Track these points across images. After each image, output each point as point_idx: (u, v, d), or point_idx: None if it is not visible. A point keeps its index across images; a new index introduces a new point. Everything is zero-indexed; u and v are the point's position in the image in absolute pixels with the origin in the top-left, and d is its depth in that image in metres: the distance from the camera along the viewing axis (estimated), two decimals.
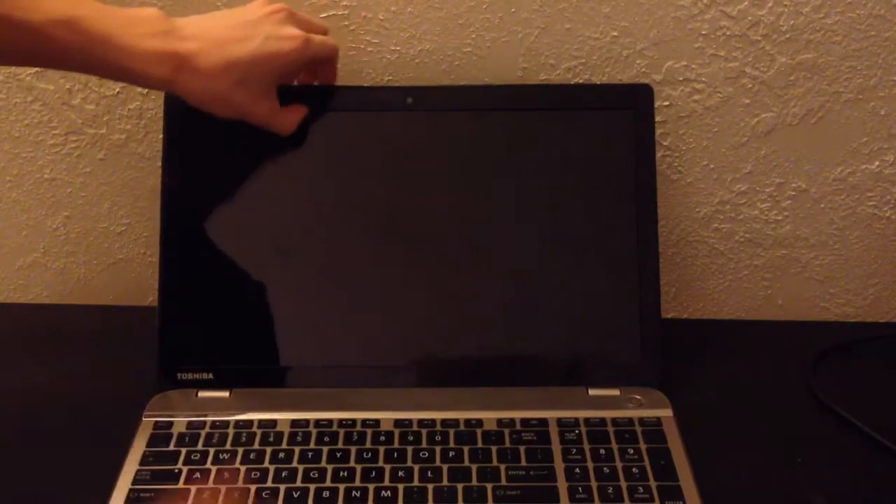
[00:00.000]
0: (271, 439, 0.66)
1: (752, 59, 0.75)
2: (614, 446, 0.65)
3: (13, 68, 0.77)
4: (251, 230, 0.72)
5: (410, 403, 0.69)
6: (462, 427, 0.66)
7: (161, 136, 0.72)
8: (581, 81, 0.76)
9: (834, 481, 0.65)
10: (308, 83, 0.72)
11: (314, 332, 0.71)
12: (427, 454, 0.64)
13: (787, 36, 0.74)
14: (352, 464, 0.63)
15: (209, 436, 0.66)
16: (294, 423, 0.67)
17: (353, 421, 0.67)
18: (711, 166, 0.79)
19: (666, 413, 0.68)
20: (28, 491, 0.64)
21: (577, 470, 0.63)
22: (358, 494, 0.61)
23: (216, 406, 0.69)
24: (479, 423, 0.67)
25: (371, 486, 0.61)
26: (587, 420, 0.67)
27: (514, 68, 0.76)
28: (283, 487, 0.61)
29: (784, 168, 0.79)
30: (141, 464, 0.64)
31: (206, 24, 0.62)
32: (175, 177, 0.72)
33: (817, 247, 0.83)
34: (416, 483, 0.62)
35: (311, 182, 0.72)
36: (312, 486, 0.61)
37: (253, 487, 0.61)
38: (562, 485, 0.62)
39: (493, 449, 0.65)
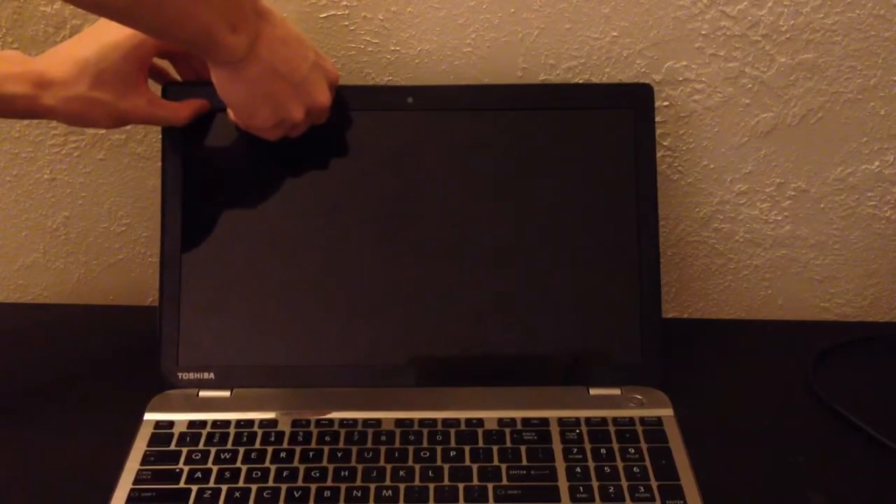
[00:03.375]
0: (272, 439, 0.66)
1: (752, 59, 0.75)
2: (615, 446, 0.65)
3: None
4: (251, 230, 0.72)
5: (411, 403, 0.69)
6: (463, 427, 0.66)
7: (161, 136, 0.72)
8: (581, 81, 0.76)
9: (834, 481, 0.65)
10: (191, 78, 0.71)
11: (314, 332, 0.71)
12: (428, 454, 0.64)
13: (787, 36, 0.74)
14: (353, 463, 0.63)
15: (210, 436, 0.66)
16: (295, 422, 0.67)
17: (354, 421, 0.67)
18: (711, 166, 0.79)
19: (667, 412, 0.68)
20: (29, 491, 0.64)
21: (578, 469, 0.63)
22: (359, 494, 0.61)
23: (217, 406, 0.69)
24: (480, 422, 0.67)
25: (372, 486, 0.61)
26: (588, 419, 0.67)
27: (514, 68, 0.76)
28: (284, 487, 0.61)
29: (784, 168, 0.79)
30: (142, 463, 0.64)
31: (56, 47, 0.64)
32: (175, 177, 0.72)
33: (817, 247, 0.83)
34: (417, 483, 0.62)
35: (311, 181, 0.72)
36: (314, 486, 0.61)
37: (254, 487, 0.61)
38: (563, 484, 0.62)
39: (494, 448, 0.65)
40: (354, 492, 0.61)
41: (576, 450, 0.64)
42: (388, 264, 0.71)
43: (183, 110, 0.68)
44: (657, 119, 0.75)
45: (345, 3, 0.74)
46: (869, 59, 0.74)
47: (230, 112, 0.66)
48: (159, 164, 0.72)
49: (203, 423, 0.67)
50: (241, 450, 0.65)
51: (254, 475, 0.63)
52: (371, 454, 0.64)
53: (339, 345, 0.71)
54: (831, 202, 0.80)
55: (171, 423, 0.67)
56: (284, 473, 0.63)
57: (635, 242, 0.71)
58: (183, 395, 0.70)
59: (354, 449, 0.64)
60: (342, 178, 0.72)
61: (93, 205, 0.84)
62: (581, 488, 0.61)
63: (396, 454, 0.64)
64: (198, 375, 0.70)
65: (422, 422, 0.67)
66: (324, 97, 0.65)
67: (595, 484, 0.61)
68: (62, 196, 0.83)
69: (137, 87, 0.65)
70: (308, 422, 0.67)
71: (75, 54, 0.63)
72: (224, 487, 0.62)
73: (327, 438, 0.66)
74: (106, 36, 0.63)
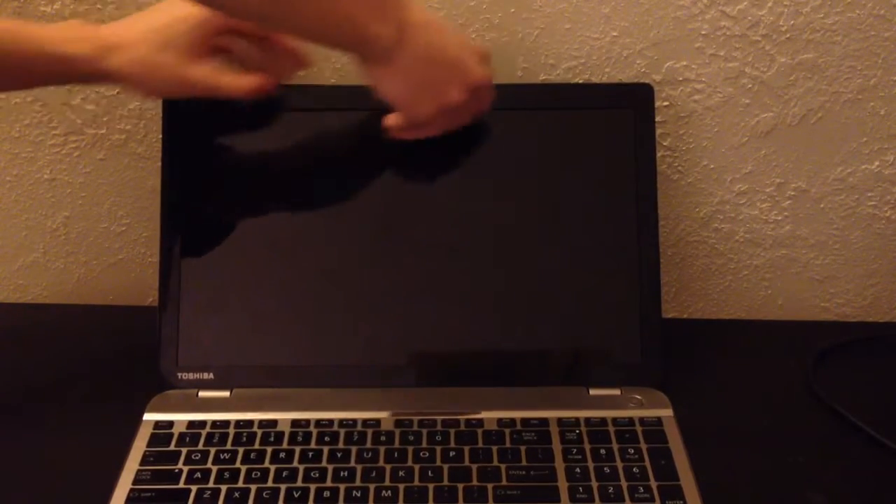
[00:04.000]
0: (272, 439, 0.66)
1: (752, 59, 0.75)
2: (615, 446, 0.65)
3: None
4: (251, 230, 0.72)
5: (410, 403, 0.69)
6: (462, 427, 0.66)
7: (161, 136, 0.72)
8: (581, 81, 0.76)
9: (834, 481, 0.65)
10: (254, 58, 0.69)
11: (314, 332, 0.71)
12: (427, 454, 0.64)
13: (787, 36, 0.74)
14: (352, 464, 0.63)
15: (210, 436, 0.66)
16: (294, 422, 0.67)
17: (354, 421, 0.67)
18: (711, 166, 0.79)
19: (666, 413, 0.68)
20: (29, 490, 0.64)
21: (578, 470, 0.63)
22: (359, 494, 0.61)
23: (216, 406, 0.69)
24: (480, 422, 0.67)
25: (371, 486, 0.61)
26: (587, 420, 0.67)
27: (514, 68, 0.76)
28: (283, 487, 0.61)
29: (784, 168, 0.79)
30: (141, 464, 0.64)
31: (124, 18, 0.65)
32: (175, 177, 0.72)
33: (817, 247, 0.83)
34: (416, 483, 0.62)
35: (310, 181, 0.72)
36: (313, 486, 0.61)
37: (254, 487, 0.61)
38: (562, 484, 0.62)
39: (494, 449, 0.65)
40: (354, 492, 0.61)
41: (575, 450, 0.64)
42: (388, 264, 0.71)
43: (246, 81, 0.66)
44: (657, 119, 0.75)
45: None
46: (869, 59, 0.74)
47: (387, 120, 0.66)
48: (159, 164, 0.72)
49: (203, 424, 0.67)
50: (241, 450, 0.65)
51: (253, 475, 0.63)
52: (370, 454, 0.64)
53: (338, 345, 0.71)
54: (831, 202, 0.80)
55: (170, 424, 0.67)
56: (284, 474, 0.63)
57: (635, 242, 0.71)
58: (183, 395, 0.70)
59: (354, 449, 0.64)
60: (341, 177, 0.72)
61: (93, 205, 0.84)
62: (581, 488, 0.61)
63: (396, 454, 0.64)
64: (197, 375, 0.71)
65: (421, 422, 0.67)
66: (479, 72, 0.64)
67: (595, 484, 0.61)
68: (62, 196, 0.83)
69: (202, 56, 0.65)
70: (308, 422, 0.67)
71: (143, 21, 0.63)
72: (224, 488, 0.62)
73: (327, 438, 0.66)
74: (175, 10, 0.63)
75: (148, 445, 0.65)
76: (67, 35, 0.61)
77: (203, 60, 0.65)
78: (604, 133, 0.72)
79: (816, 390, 0.73)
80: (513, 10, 0.74)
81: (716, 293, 0.86)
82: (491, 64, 0.67)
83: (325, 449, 0.65)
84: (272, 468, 0.63)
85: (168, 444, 0.65)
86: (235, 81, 0.66)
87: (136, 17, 0.64)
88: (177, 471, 0.63)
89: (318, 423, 0.67)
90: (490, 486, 0.61)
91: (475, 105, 0.66)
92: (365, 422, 0.67)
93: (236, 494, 0.61)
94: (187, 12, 0.63)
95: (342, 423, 0.67)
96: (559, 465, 0.63)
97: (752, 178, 0.80)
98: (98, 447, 0.67)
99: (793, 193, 0.80)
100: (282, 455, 0.64)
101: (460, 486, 0.61)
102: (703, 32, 0.74)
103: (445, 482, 0.62)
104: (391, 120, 0.66)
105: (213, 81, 0.65)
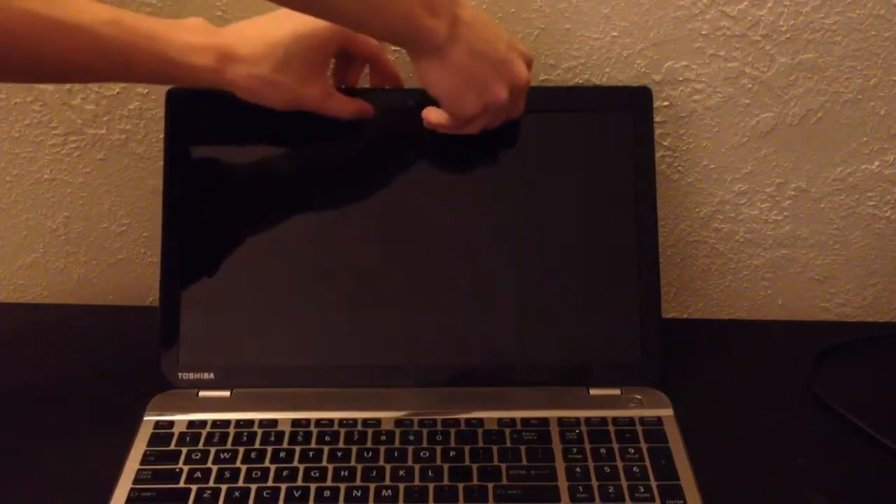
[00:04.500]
0: (272, 439, 0.66)
1: (752, 59, 0.75)
2: (615, 446, 0.65)
3: None
4: (251, 230, 0.72)
5: (410, 403, 0.69)
6: (463, 427, 0.66)
7: (161, 136, 0.72)
8: (581, 82, 0.76)
9: (834, 481, 0.65)
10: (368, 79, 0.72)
11: (314, 332, 0.71)
12: (428, 454, 0.64)
13: (787, 36, 0.74)
14: (352, 463, 0.63)
15: (210, 435, 0.66)
16: (295, 422, 0.67)
17: (354, 420, 0.67)
18: (711, 166, 0.79)
19: (666, 412, 0.68)
20: (29, 491, 0.64)
21: (578, 469, 0.63)
22: (359, 494, 0.61)
23: (217, 406, 0.69)
24: (480, 422, 0.67)
25: (372, 486, 0.61)
26: (588, 419, 0.67)
27: None
28: (283, 487, 0.61)
29: (784, 168, 0.79)
30: (142, 463, 0.64)
31: (245, 23, 0.65)
32: (175, 177, 0.72)
33: (817, 247, 0.83)
34: (416, 482, 0.62)
35: (311, 182, 0.72)
36: (313, 486, 0.61)
37: (254, 487, 0.61)
38: (562, 484, 0.62)
39: (494, 448, 0.65)
40: (354, 492, 0.61)
41: (575, 450, 0.64)
42: (388, 265, 0.71)
43: (351, 105, 0.68)
44: (657, 119, 0.75)
45: None
46: (869, 59, 0.74)
47: (429, 115, 0.67)
48: (159, 164, 0.72)
49: (203, 423, 0.67)
50: (241, 450, 0.65)
51: (254, 475, 0.63)
52: (371, 454, 0.64)
53: (339, 345, 0.71)
54: (831, 202, 0.80)
55: (171, 423, 0.67)
56: (284, 473, 0.63)
57: (635, 243, 0.71)
58: (183, 395, 0.70)
59: (354, 449, 0.65)
60: (342, 179, 0.72)
61: (93, 205, 0.84)
62: (581, 488, 0.61)
63: (396, 454, 0.64)
64: (198, 375, 0.71)
65: (421, 422, 0.67)
66: (524, 74, 0.65)
67: (595, 484, 0.62)
68: (62, 196, 0.83)
69: (319, 76, 0.66)
70: (308, 422, 0.67)
71: (267, 34, 0.63)
72: (224, 487, 0.62)
73: (327, 438, 0.66)
74: (301, 22, 0.63)
75: (148, 445, 0.65)
76: (192, 41, 0.61)
77: (320, 78, 0.66)
78: (603, 135, 0.72)
79: (816, 390, 0.73)
80: (513, 10, 0.74)
81: (716, 293, 0.86)
82: (532, 69, 0.67)
83: (326, 449, 0.65)
84: (272, 468, 0.63)
85: (168, 444, 0.65)
86: (341, 105, 0.68)
87: (261, 26, 0.64)
88: (177, 470, 0.63)
89: (318, 422, 0.67)
90: (490, 485, 0.61)
91: (511, 107, 0.66)
92: (365, 422, 0.67)
93: (236, 494, 0.61)
94: (312, 27, 0.63)
95: (342, 422, 0.67)
96: (559, 464, 0.63)
97: (752, 178, 0.80)
98: (98, 447, 0.67)
99: (793, 193, 0.80)
100: (282, 455, 0.64)
101: (460, 485, 0.61)
102: (703, 32, 0.74)
103: (446, 482, 0.62)
104: (433, 115, 0.66)
105: (322, 102, 0.67)
